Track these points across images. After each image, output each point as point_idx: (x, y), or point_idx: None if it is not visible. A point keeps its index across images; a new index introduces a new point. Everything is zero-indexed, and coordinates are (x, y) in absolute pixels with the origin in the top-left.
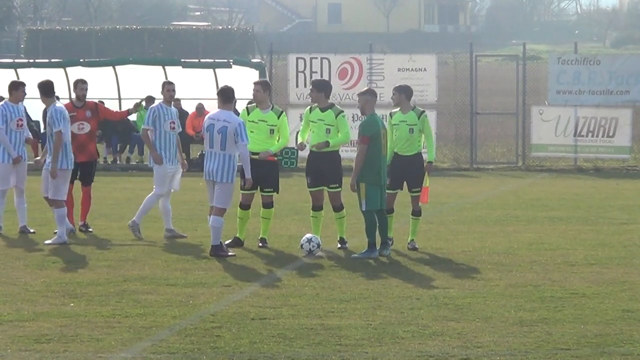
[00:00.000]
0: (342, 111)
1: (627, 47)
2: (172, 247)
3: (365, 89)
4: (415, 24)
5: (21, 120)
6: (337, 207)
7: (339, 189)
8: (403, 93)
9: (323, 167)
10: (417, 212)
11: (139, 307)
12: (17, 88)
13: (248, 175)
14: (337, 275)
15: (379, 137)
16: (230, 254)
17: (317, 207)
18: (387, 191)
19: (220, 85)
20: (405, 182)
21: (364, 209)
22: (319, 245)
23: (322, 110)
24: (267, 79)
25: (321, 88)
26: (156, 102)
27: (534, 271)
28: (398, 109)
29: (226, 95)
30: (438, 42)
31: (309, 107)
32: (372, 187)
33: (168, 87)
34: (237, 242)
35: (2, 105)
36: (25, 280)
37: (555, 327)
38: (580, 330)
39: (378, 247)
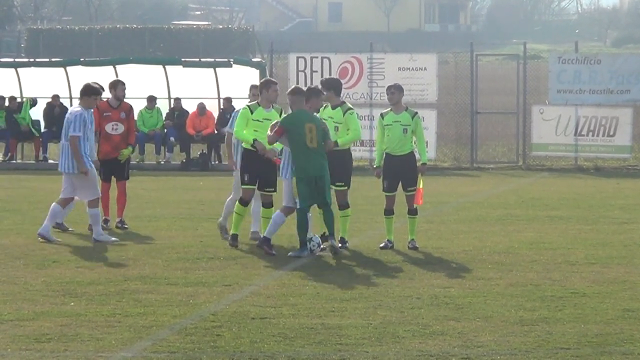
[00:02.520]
0: (351, 108)
1: (628, 46)
2: (173, 247)
3: (293, 87)
4: (416, 23)
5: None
6: (343, 206)
7: (345, 188)
8: (402, 92)
9: (331, 166)
10: (413, 211)
11: (140, 307)
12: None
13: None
14: (337, 275)
15: (301, 130)
16: (274, 252)
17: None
18: (385, 193)
19: (221, 84)
20: (400, 182)
21: (298, 207)
22: (319, 245)
23: (332, 108)
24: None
25: (329, 86)
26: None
27: (535, 270)
28: (389, 109)
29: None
30: (439, 41)
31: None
32: (300, 182)
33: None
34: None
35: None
36: (25, 279)
37: (556, 326)
38: (581, 330)
39: (308, 241)
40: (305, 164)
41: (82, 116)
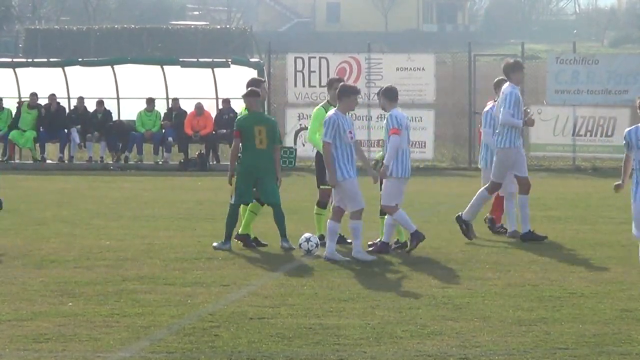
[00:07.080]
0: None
1: (626, 46)
2: (171, 247)
3: (250, 89)
4: (414, 23)
5: (351, 132)
6: None
7: None
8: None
9: None
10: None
11: (138, 307)
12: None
13: None
14: (335, 275)
15: (251, 132)
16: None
17: (323, 203)
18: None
19: (219, 84)
20: None
21: (232, 202)
22: (317, 245)
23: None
24: (266, 78)
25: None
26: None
27: (532, 271)
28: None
29: None
30: (436, 42)
31: (320, 106)
32: (241, 181)
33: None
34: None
35: (332, 115)
36: (23, 279)
37: (554, 326)
38: (579, 330)
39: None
40: (251, 164)
41: (335, 121)
